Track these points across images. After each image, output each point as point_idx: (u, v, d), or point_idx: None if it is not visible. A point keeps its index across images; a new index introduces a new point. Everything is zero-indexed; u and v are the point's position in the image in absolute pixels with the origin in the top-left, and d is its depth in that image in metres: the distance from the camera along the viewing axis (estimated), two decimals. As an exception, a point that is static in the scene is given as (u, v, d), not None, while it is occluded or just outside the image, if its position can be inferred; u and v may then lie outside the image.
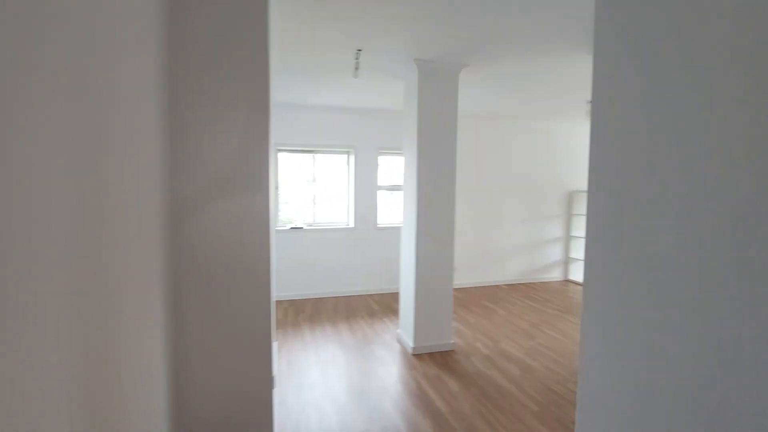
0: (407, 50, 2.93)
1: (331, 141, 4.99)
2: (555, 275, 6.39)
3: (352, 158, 5.12)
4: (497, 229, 5.95)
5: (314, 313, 4.39)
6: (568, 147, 6.34)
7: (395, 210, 5.57)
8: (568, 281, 6.33)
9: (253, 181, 1.80)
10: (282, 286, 4.83)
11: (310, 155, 5.06)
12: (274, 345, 2.83)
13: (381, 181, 5.32)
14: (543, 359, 3.28)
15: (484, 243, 5.84)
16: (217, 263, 1.74)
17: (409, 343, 3.35)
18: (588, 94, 4.20)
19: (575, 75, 3.49)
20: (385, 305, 4.72)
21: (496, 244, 5.95)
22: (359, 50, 2.85)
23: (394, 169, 5.53)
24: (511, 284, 6.01)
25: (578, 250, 6.33)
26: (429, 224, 3.26)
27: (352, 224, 5.16)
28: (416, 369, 3.01)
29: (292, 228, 4.88)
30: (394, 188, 5.49)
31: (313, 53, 2.99)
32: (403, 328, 3.54)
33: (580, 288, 5.88)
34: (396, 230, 5.32)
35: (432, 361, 3.17)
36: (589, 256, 0.91)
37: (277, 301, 4.73)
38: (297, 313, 4.38)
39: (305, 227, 4.95)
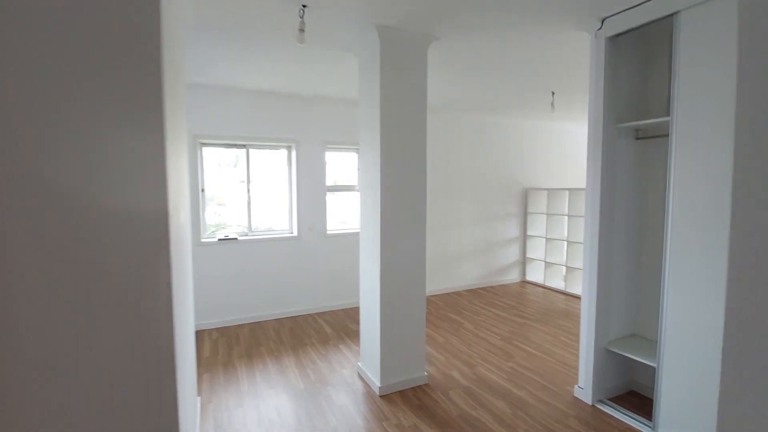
0: (364, 12, 2.28)
1: (269, 133, 4.17)
2: (513, 277, 6.13)
3: (294, 154, 4.35)
4: (454, 231, 5.51)
5: (252, 344, 3.57)
6: (524, 143, 6.11)
7: (347, 214, 4.89)
8: (525, 282, 6.10)
9: (134, 184, 1.06)
10: (209, 312, 3.94)
11: (242, 150, 4.20)
12: (197, 402, 2.05)
13: (330, 180, 4.61)
14: (529, 386, 2.82)
15: (442, 247, 5.38)
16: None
17: (375, 381, 2.71)
18: (556, 83, 3.85)
19: (554, 54, 3.07)
20: (339, 326, 4.02)
21: (454, 247, 5.52)
22: (304, 6, 2.14)
23: (345, 166, 4.84)
24: (471, 289, 5.62)
25: (535, 250, 6.13)
26: (396, 231, 2.64)
27: (295, 232, 4.39)
28: (389, 419, 2.38)
29: (221, 240, 4.00)
30: (346, 189, 4.80)
31: (243, 7, 2.23)
32: (366, 362, 2.89)
33: (538, 290, 5.65)
34: (349, 237, 4.64)
35: (406, 404, 2.56)
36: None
37: (203, 332, 3.84)
38: (230, 345, 3.53)
39: (239, 238, 4.09)
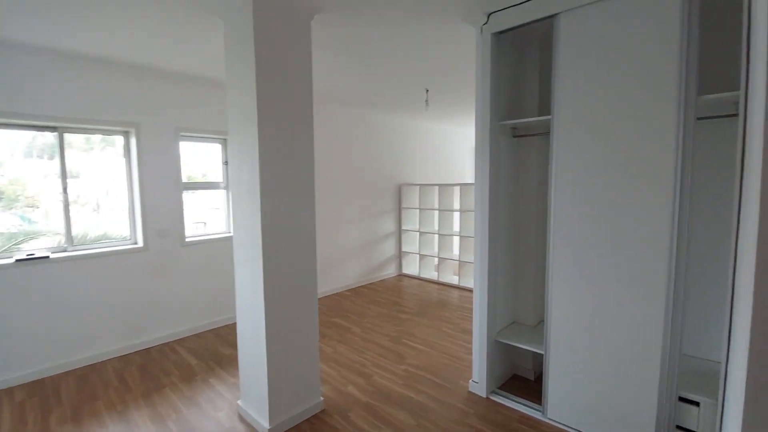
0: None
1: (96, 114, 3.17)
2: (390, 271, 6.19)
3: (133, 142, 3.42)
4: (335, 230, 5.25)
5: (83, 399, 2.64)
6: (400, 140, 6.21)
7: (211, 216, 4.14)
8: (402, 275, 6.23)
9: None
10: (10, 363, 2.81)
11: (53, 134, 3.11)
12: None
13: (185, 176, 3.80)
14: (426, 388, 2.74)
15: (324, 247, 5.05)
16: None
17: (262, 422, 2.24)
18: (432, 80, 3.88)
19: (434, 49, 3.02)
20: (208, 354, 3.34)
21: (336, 246, 5.26)
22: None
23: (205, 159, 4.07)
24: (353, 288, 5.46)
25: (409, 244, 6.31)
26: (281, 234, 2.21)
27: (140, 242, 3.49)
28: (284, 468, 1.97)
29: (20, 261, 2.87)
30: (207, 186, 4.05)
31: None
32: (249, 398, 2.38)
33: (414, 282, 5.83)
34: (214, 244, 3.93)
35: (302, 442, 2.17)
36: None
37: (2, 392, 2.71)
38: (46, 407, 2.53)
39: (51, 255, 3.02)
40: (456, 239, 6.97)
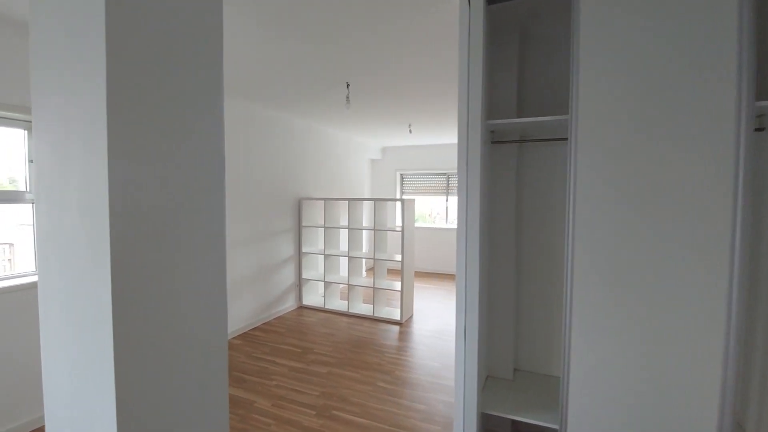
0: None
1: None
2: (289, 304, 5.12)
3: None
4: (219, 258, 3.97)
5: None
6: (300, 146, 5.24)
7: (21, 236, 2.55)
8: (302, 308, 5.21)
9: None
10: None
11: None
12: None
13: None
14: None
15: (204, 282, 3.73)
16: None
17: None
18: (354, 73, 3.12)
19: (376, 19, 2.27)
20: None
21: (220, 279, 3.97)
22: None
23: (14, 154, 2.49)
24: (246, 332, 4.24)
25: (310, 269, 5.35)
26: (150, 281, 1.10)
27: None
28: None
29: None
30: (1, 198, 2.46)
31: None
32: None
33: (319, 315, 4.90)
34: (9, 297, 2.37)
35: None
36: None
37: None
38: None
39: None
40: (364, 262, 6.23)
